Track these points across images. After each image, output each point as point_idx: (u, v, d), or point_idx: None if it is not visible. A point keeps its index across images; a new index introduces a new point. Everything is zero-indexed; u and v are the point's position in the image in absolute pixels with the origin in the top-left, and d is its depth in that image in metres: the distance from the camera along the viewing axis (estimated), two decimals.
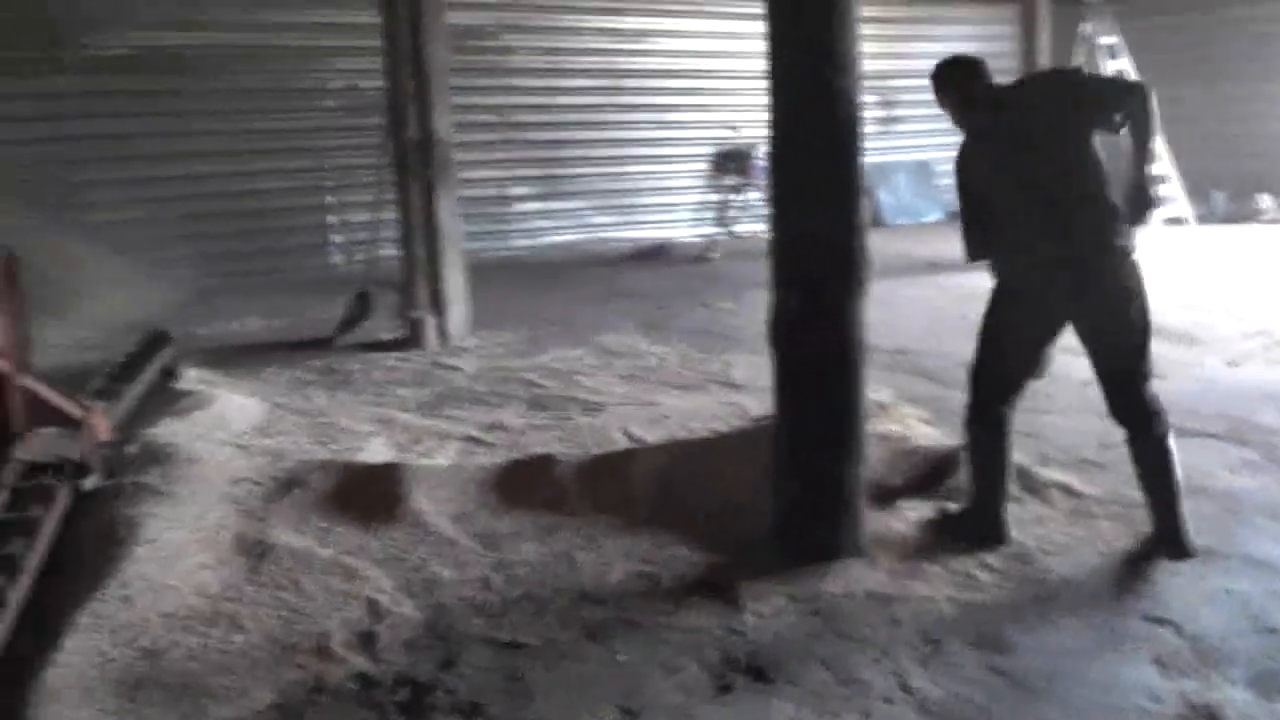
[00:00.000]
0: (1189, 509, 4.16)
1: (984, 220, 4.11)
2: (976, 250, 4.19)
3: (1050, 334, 4.07)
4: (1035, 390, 4.38)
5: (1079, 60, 14.22)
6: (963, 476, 4.49)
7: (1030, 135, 3.98)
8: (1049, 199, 3.93)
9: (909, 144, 15.08)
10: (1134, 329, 3.92)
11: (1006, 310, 4.11)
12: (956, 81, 4.18)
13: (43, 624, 3.57)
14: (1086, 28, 14.44)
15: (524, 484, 4.69)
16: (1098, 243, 3.88)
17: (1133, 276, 3.91)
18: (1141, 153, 3.85)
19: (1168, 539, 4.01)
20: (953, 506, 4.41)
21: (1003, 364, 4.14)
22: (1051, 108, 4.00)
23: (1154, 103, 3.83)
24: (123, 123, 10.77)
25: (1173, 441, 4.04)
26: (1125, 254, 3.89)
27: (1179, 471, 4.03)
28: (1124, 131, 3.91)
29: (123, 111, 10.75)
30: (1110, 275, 3.89)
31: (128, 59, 10.76)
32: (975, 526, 4.18)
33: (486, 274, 9.92)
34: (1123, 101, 3.89)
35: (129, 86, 10.72)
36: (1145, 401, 4.01)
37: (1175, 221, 13.90)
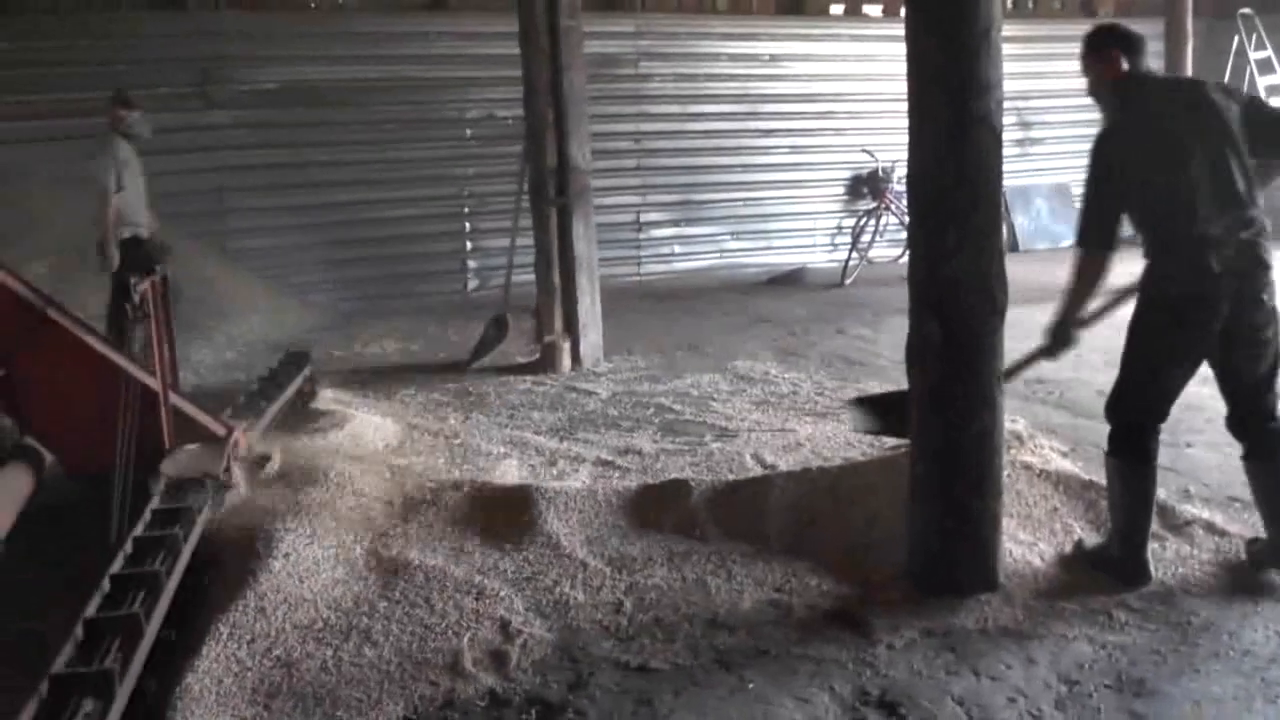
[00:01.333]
0: None
1: (1115, 212, 3.86)
2: (1104, 241, 3.87)
3: (1207, 350, 3.85)
4: (1174, 422, 4.16)
5: (1227, 74, 13.79)
6: (1103, 509, 4.34)
7: (1211, 135, 3.77)
8: (1220, 207, 3.72)
9: (1047, 166, 14.71)
10: (1276, 347, 3.84)
11: (1162, 324, 3.83)
12: (1117, 55, 3.96)
13: (185, 631, 3.66)
14: (1237, 41, 13.96)
15: (656, 508, 4.67)
16: (1260, 260, 3.75)
17: (1276, 296, 3.80)
18: None
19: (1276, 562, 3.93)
20: (1088, 541, 4.24)
21: (1154, 385, 3.91)
22: (1231, 115, 3.80)
23: None
24: (269, 154, 11.16)
25: None
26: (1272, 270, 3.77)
27: None
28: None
29: (269, 143, 11.14)
30: (1266, 293, 3.77)
31: (274, 94, 11.16)
32: (1117, 564, 3.98)
33: (620, 299, 9.98)
34: None
35: (275, 119, 11.11)
36: (1273, 419, 3.90)
37: None
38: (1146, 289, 3.90)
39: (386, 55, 11.60)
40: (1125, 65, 3.95)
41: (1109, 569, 3.99)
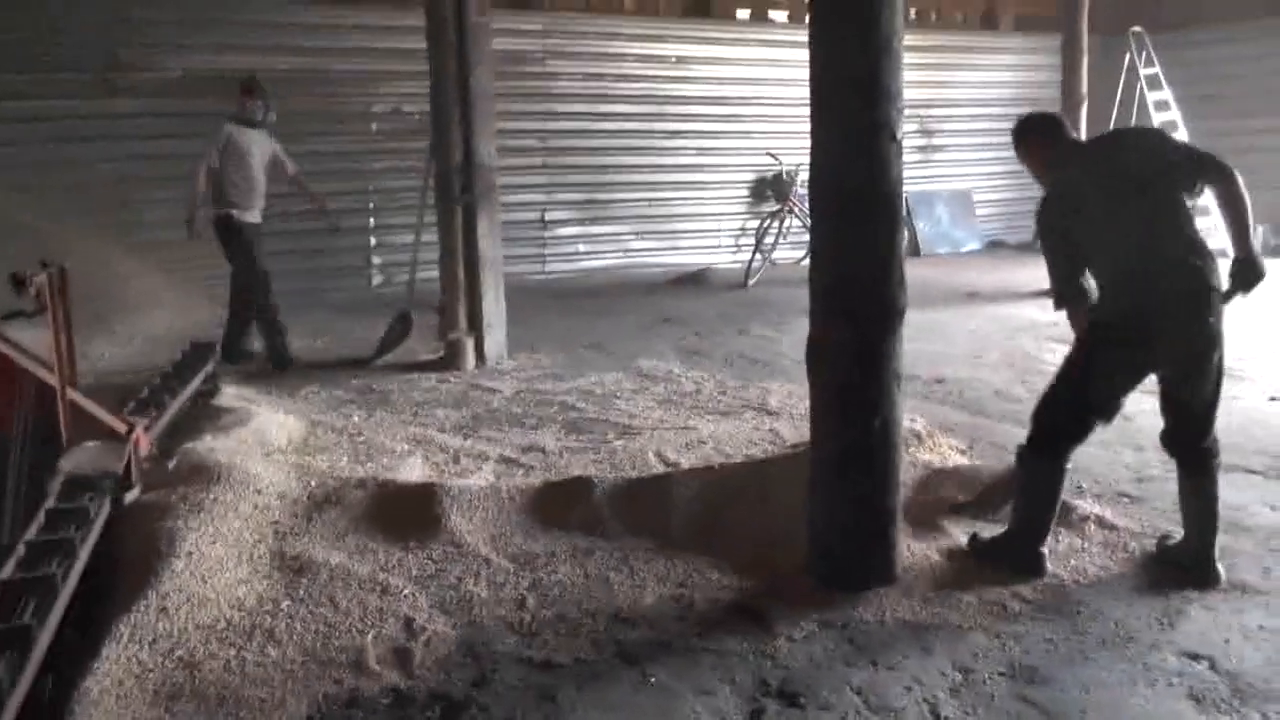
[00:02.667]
0: (1226, 543, 4.24)
1: (1078, 267, 4.10)
2: (1073, 297, 4.14)
3: (1142, 376, 4.07)
4: None
5: (1120, 89, 14.25)
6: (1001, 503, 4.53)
7: (1138, 181, 3.99)
8: (1164, 240, 3.94)
9: (949, 173, 15.06)
10: (1218, 372, 4.06)
11: (1105, 351, 4.03)
12: (1037, 141, 4.28)
13: (84, 632, 3.61)
14: (1129, 58, 14.44)
15: (560, 505, 4.72)
16: (1207, 284, 3.91)
17: (1222, 320, 3.97)
18: (1245, 225, 3.91)
19: (1200, 568, 4.07)
20: (984, 533, 4.40)
21: (1086, 403, 4.09)
22: (1153, 158, 4.05)
23: (1240, 180, 3.91)
24: (174, 144, 10.92)
25: (1220, 477, 4.16)
26: (1221, 298, 3.95)
27: (1219, 506, 4.11)
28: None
29: (174, 133, 10.90)
30: (1213, 316, 3.93)
31: (180, 83, 10.94)
32: (1014, 556, 4.16)
33: (525, 297, 10.00)
34: (1210, 169, 3.97)
35: (180, 109, 10.89)
36: (1211, 440, 4.14)
37: (1217, 254, 13.79)
38: (1097, 315, 4.08)
39: (295, 46, 11.45)
40: (1048, 146, 4.25)
41: (1006, 560, 4.17)
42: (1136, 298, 3.95)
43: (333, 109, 11.74)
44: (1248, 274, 3.92)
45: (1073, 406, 4.11)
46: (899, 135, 3.82)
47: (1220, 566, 4.07)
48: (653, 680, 3.39)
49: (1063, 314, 4.22)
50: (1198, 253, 3.93)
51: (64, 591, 3.52)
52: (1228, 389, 6.73)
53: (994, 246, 15.30)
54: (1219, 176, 3.94)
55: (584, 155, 13.22)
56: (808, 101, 3.92)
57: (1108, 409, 4.09)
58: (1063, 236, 4.12)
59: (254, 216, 8.20)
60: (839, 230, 3.88)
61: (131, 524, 4.39)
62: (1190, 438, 4.15)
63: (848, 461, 3.97)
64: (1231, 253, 3.95)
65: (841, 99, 3.82)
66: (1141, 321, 3.94)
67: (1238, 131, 14.58)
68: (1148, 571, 4.15)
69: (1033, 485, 4.20)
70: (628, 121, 13.42)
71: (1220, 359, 4.04)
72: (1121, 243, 3.98)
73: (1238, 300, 3.99)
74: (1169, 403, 4.14)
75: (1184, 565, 4.13)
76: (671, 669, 3.45)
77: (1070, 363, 4.15)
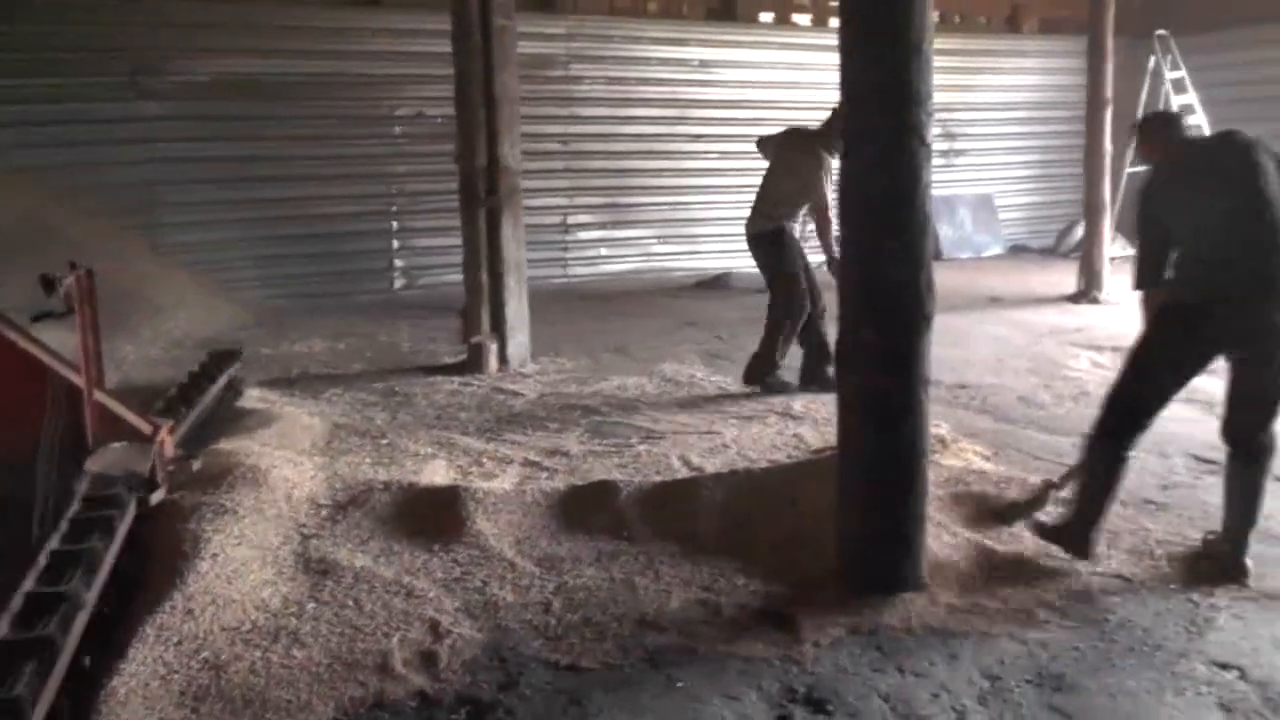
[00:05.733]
0: (1257, 552, 4.22)
1: (1165, 253, 4.26)
2: (1152, 278, 4.34)
3: (1207, 362, 4.16)
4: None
5: (1144, 92, 14.18)
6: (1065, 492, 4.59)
7: (1238, 176, 4.13)
8: (1252, 229, 4.06)
9: (972, 177, 14.99)
10: None
11: (1174, 334, 4.14)
12: (1158, 131, 4.44)
13: (110, 633, 3.62)
14: (1154, 62, 14.35)
15: (585, 509, 4.71)
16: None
17: None
18: None
19: (1233, 561, 4.15)
20: (1046, 518, 4.50)
21: (1150, 385, 4.20)
22: (1259, 158, 4.16)
23: None
24: (200, 146, 11.01)
25: (1269, 476, 4.19)
26: None
27: (1263, 502, 4.19)
28: None
29: (200, 136, 10.99)
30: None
31: (206, 85, 11.00)
32: (1071, 536, 4.27)
33: (547, 301, 9.99)
34: None
35: (206, 112, 10.96)
36: (1270, 434, 4.17)
37: None
38: (1165, 305, 4.20)
39: (319, 50, 11.49)
40: (1169, 141, 4.39)
41: (1061, 540, 4.28)
42: (1212, 281, 4.08)
43: (356, 112, 11.77)
44: None
45: (1140, 392, 4.21)
46: (929, 140, 3.80)
47: (1249, 561, 4.11)
48: (680, 685, 3.37)
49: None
50: (1275, 256, 4.03)
51: (90, 597, 3.50)
52: None
53: (1017, 251, 15.22)
54: None
55: (606, 159, 13.21)
56: (832, 105, 3.91)
57: (1175, 391, 4.20)
58: (1154, 220, 4.29)
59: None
60: (868, 235, 3.86)
61: (157, 525, 4.39)
62: (1251, 428, 4.18)
63: (875, 467, 3.95)
64: None
65: (871, 103, 3.81)
66: (1214, 304, 4.06)
67: (1266, 136, 14.47)
68: (1176, 578, 4.12)
69: (1095, 470, 4.29)
70: (651, 125, 13.41)
71: None
72: (1207, 229, 4.11)
73: None
74: (1234, 390, 4.20)
75: (1219, 557, 4.21)
76: (698, 674, 3.43)
77: (1139, 349, 4.25)
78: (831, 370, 6.58)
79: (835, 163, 6.75)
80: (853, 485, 4.02)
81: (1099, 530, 4.25)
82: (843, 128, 6.18)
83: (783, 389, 7.16)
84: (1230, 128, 4.39)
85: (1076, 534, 4.25)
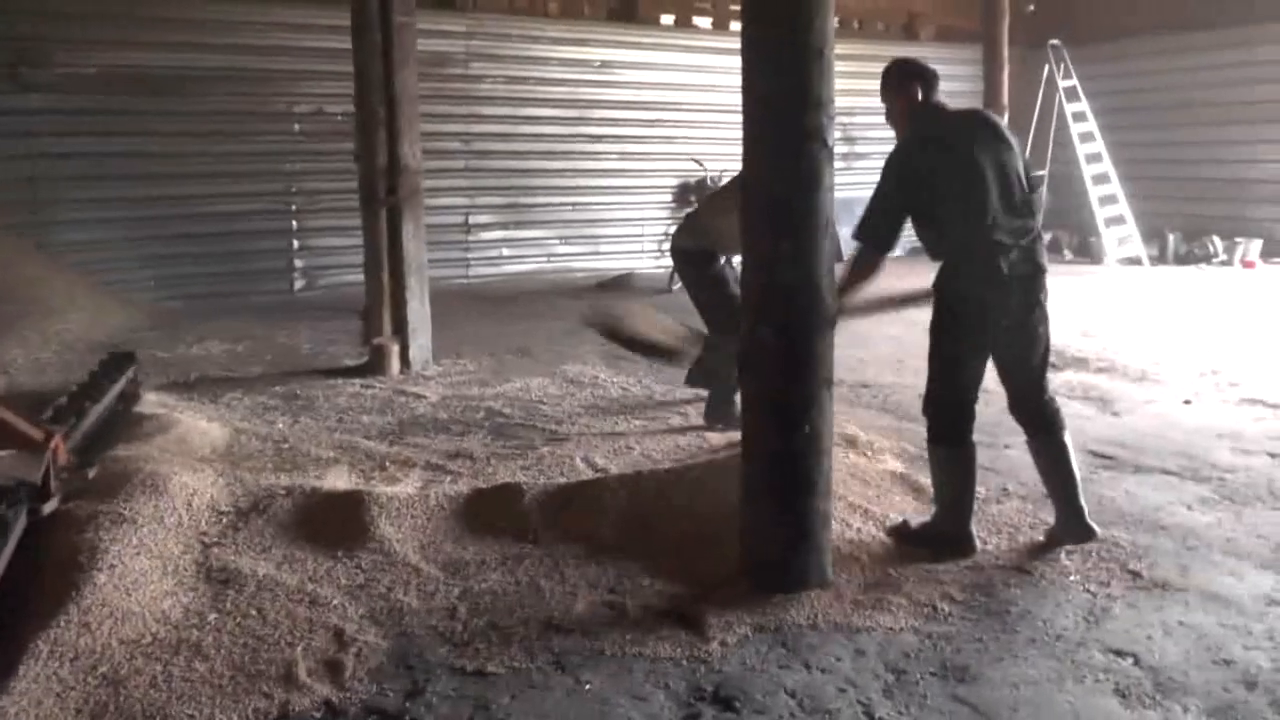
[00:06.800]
0: (1147, 543, 4.44)
1: (900, 220, 4.37)
2: (883, 244, 4.37)
3: (995, 343, 4.32)
4: (993, 425, 4.52)
5: (1039, 100, 14.54)
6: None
7: (1001, 152, 4.27)
8: (1015, 213, 4.23)
9: (870, 179, 15.07)
10: (1047, 339, 4.41)
11: (962, 321, 4.27)
12: (917, 89, 4.40)
13: None
14: (1047, 70, 14.72)
15: (489, 512, 4.69)
16: (1040, 266, 4.29)
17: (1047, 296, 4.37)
18: None
19: (1074, 523, 4.42)
20: (912, 520, 4.57)
21: (959, 375, 4.32)
22: (1011, 139, 4.37)
23: None
24: (90, 142, 10.72)
25: (1068, 438, 4.47)
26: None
27: (1076, 464, 4.48)
28: None
29: (90, 130, 10.71)
30: (1044, 290, 4.30)
31: (96, 79, 10.71)
32: (946, 538, 4.37)
33: (448, 302, 9.92)
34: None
35: (97, 106, 10.68)
36: (1051, 403, 4.46)
37: (1131, 262, 14.16)
38: (943, 292, 4.31)
39: (214, 44, 11.27)
40: (921, 96, 4.40)
41: (937, 544, 4.36)
42: (985, 276, 4.19)
43: (253, 108, 11.57)
44: None
45: (949, 385, 4.35)
46: (830, 143, 3.86)
47: (1091, 522, 4.42)
48: (587, 687, 3.38)
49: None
50: (1033, 233, 4.26)
51: None
52: (1144, 393, 7.04)
53: (915, 253, 15.38)
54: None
55: (507, 159, 13.19)
56: (732, 108, 3.95)
57: (977, 379, 4.35)
58: (900, 186, 4.31)
59: None
60: (771, 236, 3.89)
61: (50, 536, 4.28)
62: (1036, 398, 4.44)
63: (779, 467, 3.99)
64: None
65: (773, 108, 3.85)
66: (989, 299, 4.21)
67: (1153, 143, 14.97)
68: (1074, 570, 4.23)
69: (947, 468, 4.41)
70: (552, 125, 13.41)
71: (1047, 328, 4.37)
72: (968, 211, 4.20)
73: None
74: (1006, 370, 4.43)
75: (1064, 532, 4.45)
76: (605, 675, 3.44)
77: (945, 340, 4.33)
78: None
79: None
80: (757, 484, 4.07)
81: (971, 522, 4.40)
82: None
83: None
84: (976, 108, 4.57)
85: (954, 533, 4.37)
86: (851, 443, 5.56)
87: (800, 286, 3.89)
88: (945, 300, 4.29)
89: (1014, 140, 4.40)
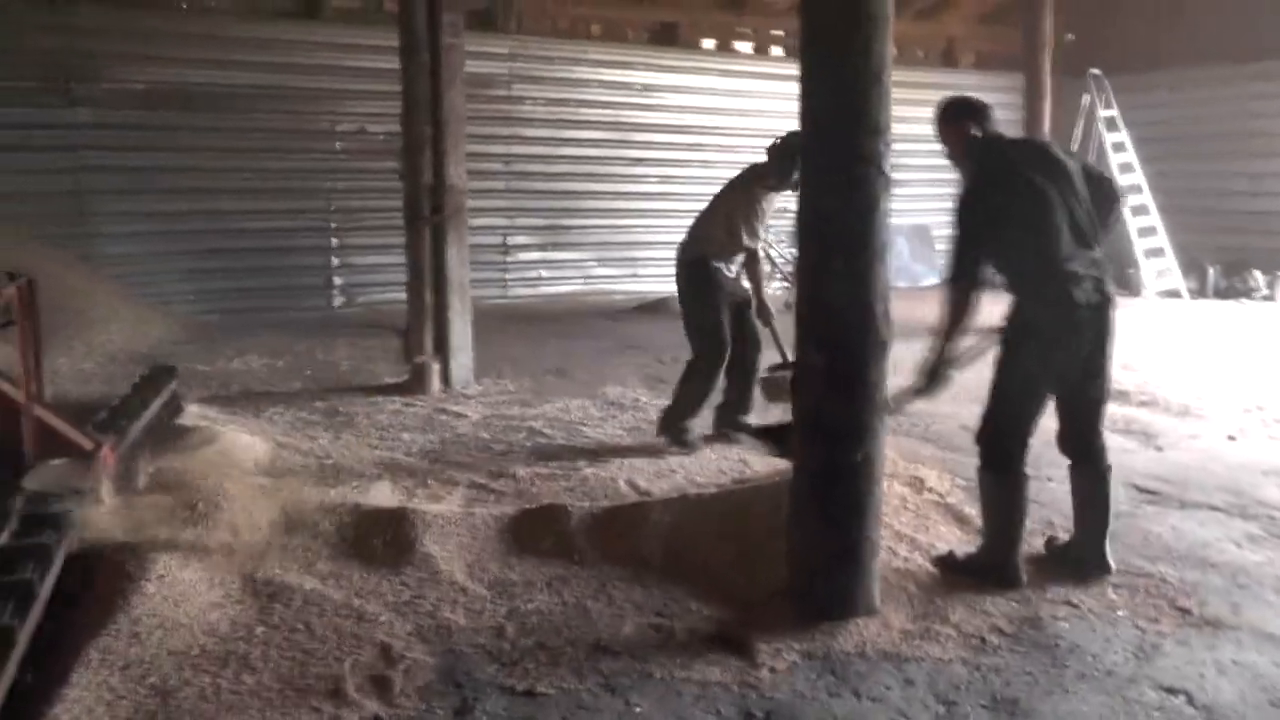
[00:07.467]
0: (1196, 579, 4.39)
1: (984, 256, 4.27)
2: (973, 281, 4.25)
3: (1065, 376, 4.28)
4: (1035, 457, 4.47)
5: (1078, 129, 14.48)
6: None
7: (1065, 182, 4.25)
8: (1085, 244, 4.22)
9: (908, 207, 15.14)
10: (1109, 370, 4.39)
11: (1033, 354, 4.21)
12: (969, 124, 4.46)
13: (51, 656, 3.53)
14: (1087, 100, 14.66)
15: (535, 533, 4.69)
16: (1109, 296, 4.26)
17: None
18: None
19: (1092, 554, 4.43)
20: (959, 551, 4.53)
21: (1022, 408, 4.28)
22: (1073, 167, 4.35)
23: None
24: (135, 156, 10.86)
25: (1111, 473, 4.52)
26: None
27: (1113, 500, 4.55)
28: None
29: (136, 145, 10.85)
30: (1113, 322, 4.28)
31: (142, 94, 10.86)
32: (993, 569, 4.31)
33: (486, 321, 9.92)
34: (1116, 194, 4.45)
35: (143, 121, 10.82)
36: (1102, 437, 4.47)
37: (1170, 295, 14.06)
38: (1015, 323, 4.26)
39: (259, 62, 11.44)
40: (976, 131, 4.42)
41: (984, 574, 4.30)
42: (1057, 306, 4.15)
43: (296, 126, 11.68)
44: None
45: (1010, 417, 4.30)
46: (887, 169, 3.85)
47: (1111, 558, 4.41)
48: (638, 710, 3.36)
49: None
50: (1101, 266, 4.24)
51: (24, 631, 3.39)
52: (1187, 427, 6.97)
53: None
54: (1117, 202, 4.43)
55: (547, 180, 13.26)
56: (772, 133, 3.94)
57: (1039, 413, 4.31)
58: (975, 225, 4.27)
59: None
60: (826, 261, 3.88)
61: (100, 546, 4.30)
62: (1090, 434, 4.43)
63: (829, 493, 3.97)
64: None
65: (830, 132, 3.84)
66: (1061, 330, 4.17)
67: (1193, 174, 14.86)
68: (1122, 605, 4.18)
69: (1000, 500, 4.36)
70: (592, 147, 13.48)
71: (1110, 361, 4.36)
72: (1039, 243, 4.18)
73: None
74: (1070, 405, 4.39)
75: (1080, 559, 4.44)
76: (655, 699, 3.42)
77: (1010, 369, 4.27)
78: (747, 418, 6.54)
79: (773, 202, 6.47)
80: (806, 511, 4.04)
81: (1019, 554, 4.34)
82: (780, 164, 6.20)
83: (686, 447, 6.38)
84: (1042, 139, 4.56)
85: (1001, 565, 4.31)
86: (896, 470, 5.52)
87: (854, 311, 3.86)
88: (1016, 330, 4.25)
89: (1075, 163, 4.38)
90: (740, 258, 6.48)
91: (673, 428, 6.46)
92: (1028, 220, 4.20)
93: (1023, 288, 4.26)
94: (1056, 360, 4.21)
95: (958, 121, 4.46)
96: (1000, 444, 4.32)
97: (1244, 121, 14.68)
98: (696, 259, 6.50)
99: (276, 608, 3.97)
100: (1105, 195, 4.41)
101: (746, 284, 6.58)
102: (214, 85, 11.20)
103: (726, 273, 6.46)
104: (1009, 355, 4.26)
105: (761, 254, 6.61)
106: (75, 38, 10.59)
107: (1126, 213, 14.32)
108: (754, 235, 6.39)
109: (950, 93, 4.70)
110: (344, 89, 11.76)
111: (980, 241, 4.25)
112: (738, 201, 6.43)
